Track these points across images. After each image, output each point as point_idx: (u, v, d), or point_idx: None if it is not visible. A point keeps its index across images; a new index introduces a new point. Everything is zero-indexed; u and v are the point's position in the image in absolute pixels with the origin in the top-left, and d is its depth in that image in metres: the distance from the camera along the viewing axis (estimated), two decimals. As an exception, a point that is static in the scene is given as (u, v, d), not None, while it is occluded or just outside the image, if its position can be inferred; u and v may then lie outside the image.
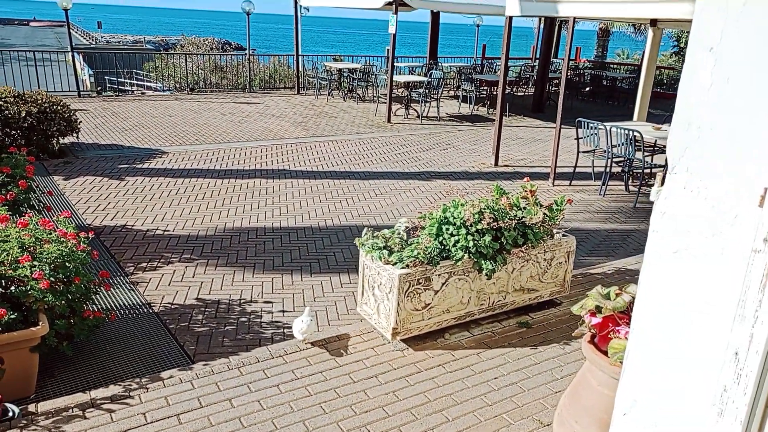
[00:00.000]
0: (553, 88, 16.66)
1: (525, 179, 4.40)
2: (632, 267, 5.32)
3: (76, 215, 6.13)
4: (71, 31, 13.10)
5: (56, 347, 3.39)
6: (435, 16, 15.86)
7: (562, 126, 8.17)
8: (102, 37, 45.87)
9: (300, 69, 15.36)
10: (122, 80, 16.88)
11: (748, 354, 1.50)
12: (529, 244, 3.92)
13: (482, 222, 3.66)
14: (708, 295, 1.62)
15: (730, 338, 1.55)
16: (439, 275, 3.66)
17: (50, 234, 3.69)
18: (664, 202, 1.73)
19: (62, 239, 3.65)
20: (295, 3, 14.22)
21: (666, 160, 6.53)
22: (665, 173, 1.75)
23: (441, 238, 3.71)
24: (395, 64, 13.45)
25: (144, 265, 5.14)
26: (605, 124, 7.78)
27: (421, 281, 3.60)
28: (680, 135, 1.66)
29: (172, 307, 4.46)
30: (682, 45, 22.02)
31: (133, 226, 5.98)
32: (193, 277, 4.99)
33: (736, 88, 1.51)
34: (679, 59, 21.45)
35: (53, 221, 3.89)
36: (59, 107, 8.07)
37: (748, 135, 1.49)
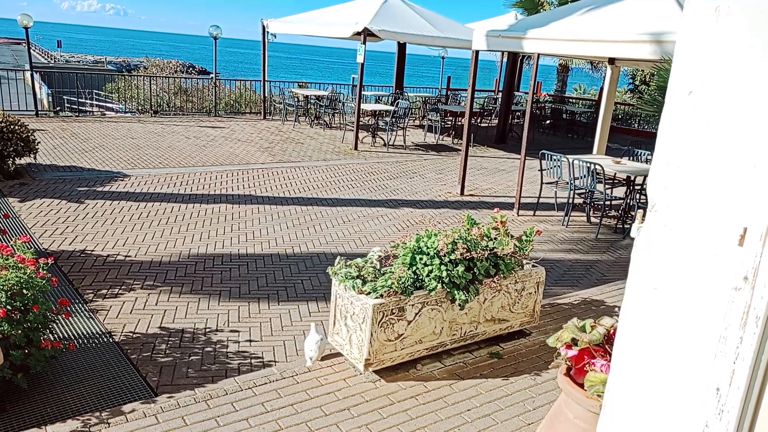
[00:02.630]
0: (516, 120, 17.10)
1: (495, 210, 4.45)
2: (597, 297, 5.43)
3: (33, 239, 5.89)
4: (30, 49, 12.78)
5: (10, 379, 3.21)
6: (401, 47, 16.15)
7: (526, 157, 8.35)
8: (61, 56, 44.87)
9: (266, 94, 15.34)
10: (82, 101, 16.50)
11: (729, 390, 1.54)
12: (501, 275, 3.96)
13: (455, 252, 3.67)
14: (689, 332, 1.65)
15: (711, 374, 1.58)
16: (412, 305, 3.64)
17: (7, 260, 3.52)
18: (645, 238, 1.77)
19: (20, 265, 3.50)
20: (263, 29, 14.27)
21: (625, 193, 6.70)
22: (645, 210, 1.80)
23: (414, 267, 3.70)
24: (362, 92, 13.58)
25: (104, 292, 4.95)
26: (567, 156, 8.00)
27: (394, 311, 3.57)
28: (660, 174, 1.71)
29: (134, 336, 4.30)
30: (637, 83, 23.03)
31: (92, 251, 5.77)
32: (156, 304, 4.83)
33: (714, 131, 1.57)
34: (633, 96, 22.39)
35: (11, 246, 3.72)
36: (17, 127, 7.81)
37: (726, 175, 1.54)
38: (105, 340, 4.21)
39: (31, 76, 12.64)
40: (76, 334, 4.23)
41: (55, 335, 4.09)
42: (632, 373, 1.83)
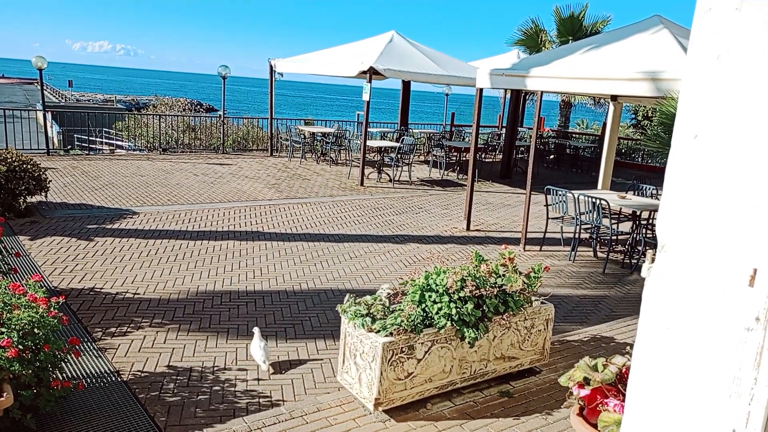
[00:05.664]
0: (520, 155, 17.25)
1: (503, 246, 4.47)
2: (606, 334, 5.39)
3: (43, 277, 5.93)
4: (43, 90, 13.05)
5: (20, 420, 3.20)
6: (406, 84, 16.44)
7: (531, 192, 8.40)
8: (72, 95, 45.79)
9: (273, 131, 15.57)
10: (92, 139, 16.77)
11: (746, 431, 1.53)
12: (510, 312, 3.95)
13: (465, 289, 3.68)
14: (702, 372, 1.65)
15: (726, 415, 1.58)
16: (422, 343, 3.63)
17: (20, 299, 3.55)
18: (655, 278, 1.79)
19: (32, 304, 3.52)
20: (271, 69, 14.58)
21: (631, 228, 6.68)
22: (655, 250, 1.82)
23: (424, 305, 3.71)
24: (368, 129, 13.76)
25: (113, 330, 4.96)
26: (573, 191, 8.04)
27: (404, 349, 3.56)
28: (670, 214, 1.74)
29: (142, 375, 4.29)
30: (639, 118, 23.28)
31: (101, 288, 5.80)
32: (164, 342, 4.83)
33: (721, 173, 1.61)
34: (636, 131, 22.60)
35: (23, 285, 3.75)
36: (29, 165, 7.94)
37: (736, 217, 1.57)
38: (113, 379, 4.20)
39: (44, 116, 12.89)
40: (84, 373, 4.22)
41: (65, 374, 4.08)
42: (647, 414, 1.83)
